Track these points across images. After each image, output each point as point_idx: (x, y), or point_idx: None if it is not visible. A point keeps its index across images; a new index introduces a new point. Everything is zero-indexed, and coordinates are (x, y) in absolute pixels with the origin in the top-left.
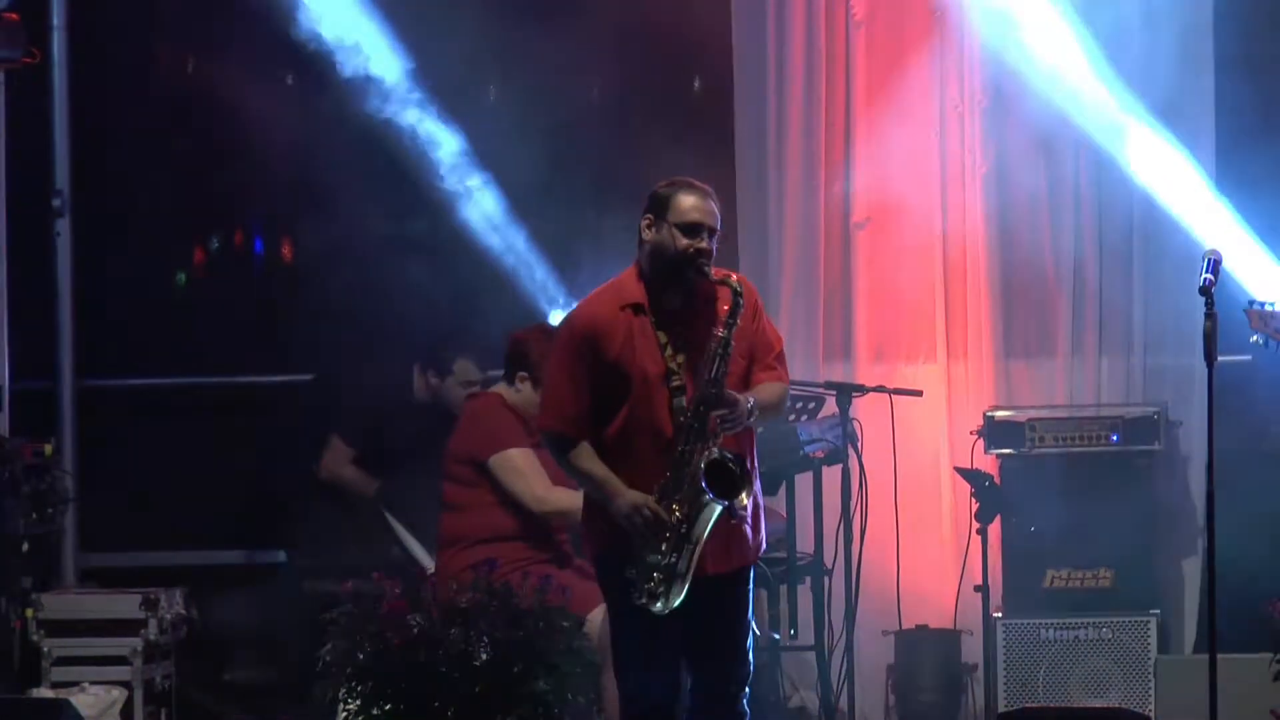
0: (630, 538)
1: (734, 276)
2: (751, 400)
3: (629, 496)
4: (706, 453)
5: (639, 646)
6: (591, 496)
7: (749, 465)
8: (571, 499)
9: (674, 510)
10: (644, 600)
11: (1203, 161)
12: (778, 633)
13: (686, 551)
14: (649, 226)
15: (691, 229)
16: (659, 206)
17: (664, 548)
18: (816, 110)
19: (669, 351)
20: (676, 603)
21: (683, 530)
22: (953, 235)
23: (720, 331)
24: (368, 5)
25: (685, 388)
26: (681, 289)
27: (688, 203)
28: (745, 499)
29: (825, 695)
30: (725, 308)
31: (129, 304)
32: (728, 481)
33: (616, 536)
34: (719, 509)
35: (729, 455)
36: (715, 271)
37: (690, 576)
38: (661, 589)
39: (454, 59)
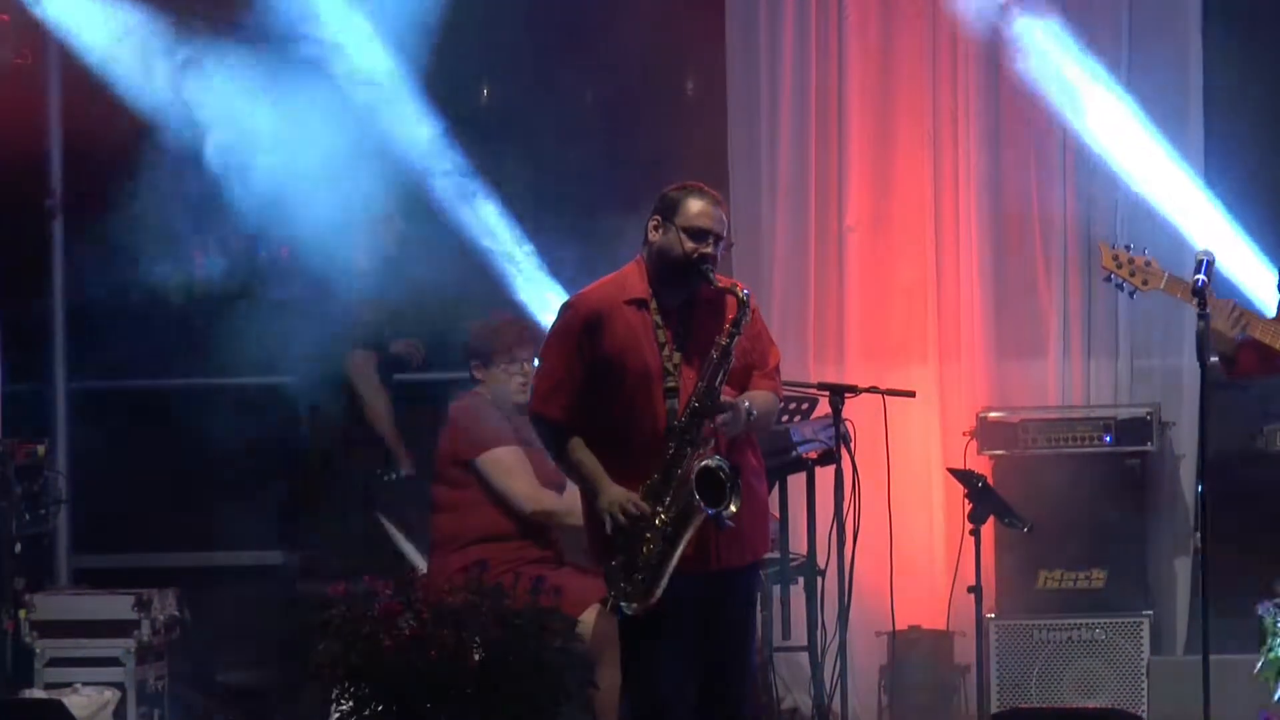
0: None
1: (740, 285)
2: (748, 403)
3: (614, 492)
4: (701, 458)
5: (648, 653)
6: (580, 490)
7: (755, 465)
8: (560, 501)
9: (659, 512)
10: (616, 598)
11: (1191, 160)
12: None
13: (668, 555)
14: (656, 228)
15: (698, 234)
16: (668, 209)
17: (645, 549)
18: (808, 112)
19: (666, 351)
20: (651, 602)
21: (667, 532)
22: (945, 236)
23: (723, 340)
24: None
25: (679, 389)
26: (684, 292)
27: (696, 207)
28: (733, 508)
29: (818, 696)
30: (730, 315)
31: (122, 305)
32: (718, 490)
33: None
34: (705, 515)
35: (724, 463)
36: (720, 279)
37: (666, 581)
38: (638, 590)
39: (449, 58)
